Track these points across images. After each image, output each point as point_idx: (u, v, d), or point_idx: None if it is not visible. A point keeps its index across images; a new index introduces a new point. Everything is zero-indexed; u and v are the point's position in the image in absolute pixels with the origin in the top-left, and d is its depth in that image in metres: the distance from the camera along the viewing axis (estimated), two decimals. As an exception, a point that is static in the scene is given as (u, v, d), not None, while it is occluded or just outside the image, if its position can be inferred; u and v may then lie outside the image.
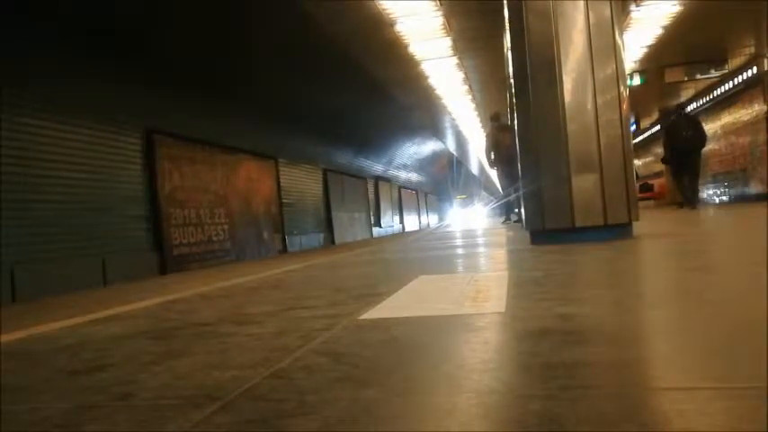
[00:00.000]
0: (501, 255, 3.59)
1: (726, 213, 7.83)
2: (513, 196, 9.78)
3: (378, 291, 2.08)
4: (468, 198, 43.99)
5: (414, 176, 27.91)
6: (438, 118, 19.59)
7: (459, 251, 4.21)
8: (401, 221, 24.94)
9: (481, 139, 22.10)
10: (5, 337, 1.72)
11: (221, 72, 9.85)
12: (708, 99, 16.49)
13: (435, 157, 28.58)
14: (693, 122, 10.07)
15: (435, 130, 22.49)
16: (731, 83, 14.75)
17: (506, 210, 10.38)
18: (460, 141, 25.72)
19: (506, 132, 9.24)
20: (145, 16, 7.70)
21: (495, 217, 20.21)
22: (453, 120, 19.69)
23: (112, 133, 8.18)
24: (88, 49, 7.48)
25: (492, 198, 48.28)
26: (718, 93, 15.65)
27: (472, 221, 18.33)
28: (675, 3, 9.87)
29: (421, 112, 18.32)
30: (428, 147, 25.44)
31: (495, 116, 9.96)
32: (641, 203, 10.23)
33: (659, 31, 11.33)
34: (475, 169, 40.07)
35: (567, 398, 0.78)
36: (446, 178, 35.92)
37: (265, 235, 12.58)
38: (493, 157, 9.63)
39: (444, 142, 25.83)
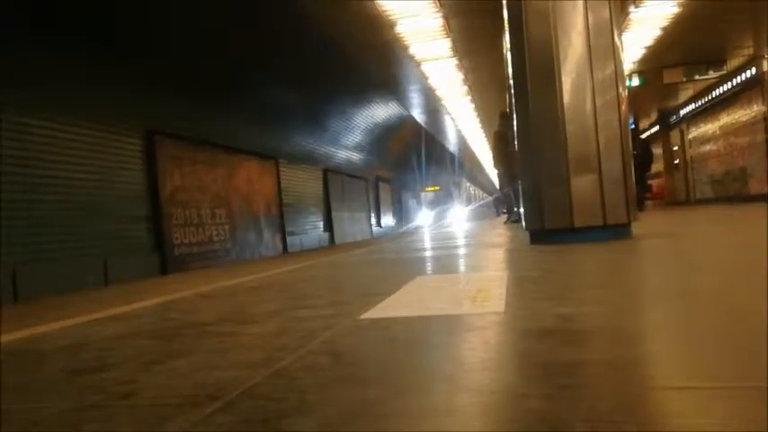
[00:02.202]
0: (500, 255, 3.59)
1: (727, 213, 7.84)
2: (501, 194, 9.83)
3: (377, 290, 2.08)
4: (445, 191, 28.69)
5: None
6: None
7: (458, 251, 4.21)
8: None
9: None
10: (6, 337, 1.73)
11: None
12: (706, 100, 16.50)
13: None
14: (642, 144, 13.00)
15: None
16: (730, 84, 14.76)
17: (509, 209, 10.43)
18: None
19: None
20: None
21: (483, 219, 18.64)
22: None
23: (113, 134, 8.18)
24: (88, 49, 7.48)
25: (482, 191, 37.18)
26: (717, 93, 15.67)
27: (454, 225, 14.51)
28: (674, 4, 9.87)
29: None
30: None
31: (503, 115, 9.91)
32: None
33: (658, 32, 11.34)
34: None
35: (566, 397, 0.78)
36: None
37: (266, 234, 12.60)
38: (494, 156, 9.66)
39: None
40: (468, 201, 31.16)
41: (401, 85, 14.94)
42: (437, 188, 28.17)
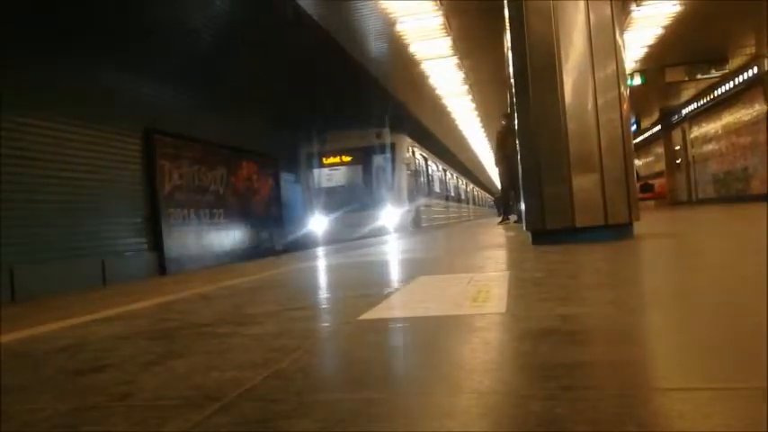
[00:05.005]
0: (501, 255, 3.58)
1: (729, 213, 7.82)
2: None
3: (377, 291, 2.08)
4: (363, 168, 13.56)
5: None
6: None
7: (460, 251, 4.20)
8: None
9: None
10: (5, 338, 1.72)
11: None
12: (708, 99, 16.48)
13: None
14: None
15: None
16: (732, 83, 14.74)
17: (505, 210, 10.32)
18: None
19: (513, 135, 9.33)
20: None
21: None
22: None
23: (112, 133, 8.18)
24: (87, 48, 7.47)
25: (453, 171, 20.08)
26: (719, 93, 15.64)
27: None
28: (676, 2, 9.86)
29: None
30: None
31: (506, 116, 9.91)
32: (641, 203, 10.32)
33: (660, 31, 11.32)
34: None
35: (567, 398, 0.77)
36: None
37: (265, 234, 12.59)
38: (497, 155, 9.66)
39: None
40: (418, 191, 14.93)
41: None
42: (348, 158, 13.68)
